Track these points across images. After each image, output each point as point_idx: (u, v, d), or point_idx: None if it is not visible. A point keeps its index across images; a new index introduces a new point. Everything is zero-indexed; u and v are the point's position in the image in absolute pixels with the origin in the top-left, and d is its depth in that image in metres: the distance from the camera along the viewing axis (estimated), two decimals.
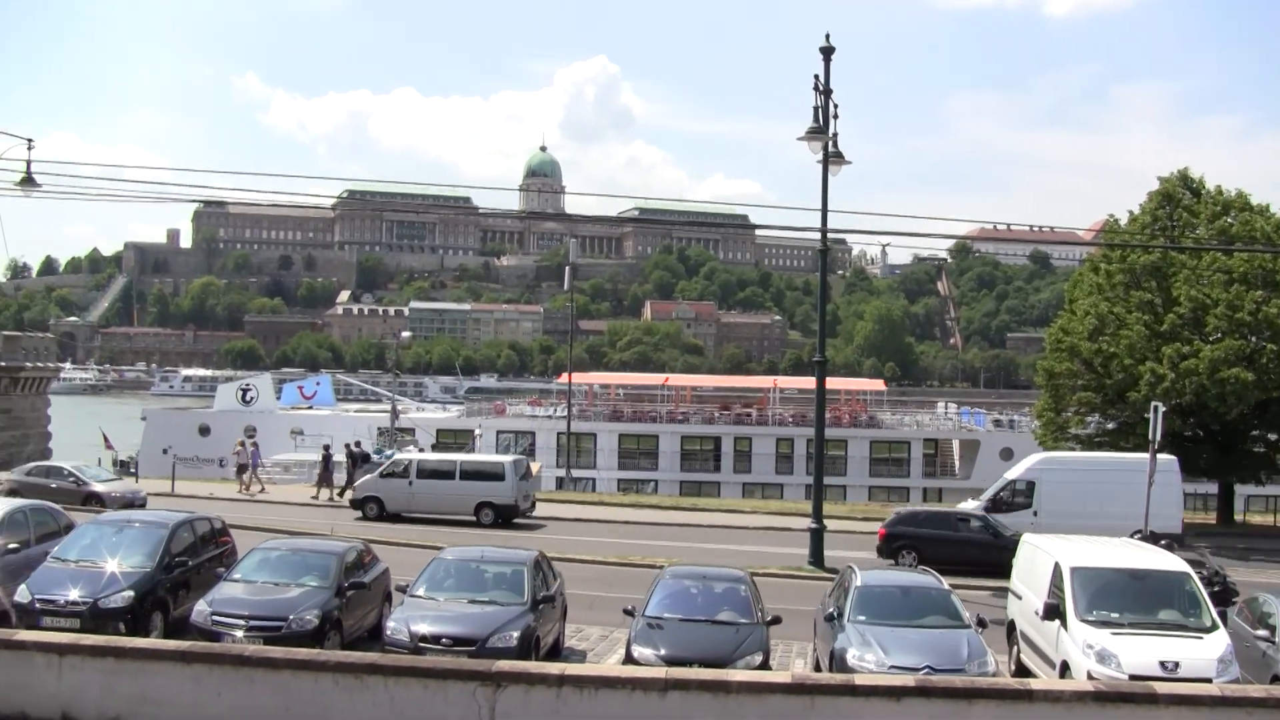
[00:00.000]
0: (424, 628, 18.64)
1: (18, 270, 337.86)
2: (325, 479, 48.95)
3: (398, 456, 46.56)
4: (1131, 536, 26.49)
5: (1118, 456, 41.86)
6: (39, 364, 61.84)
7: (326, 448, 51.90)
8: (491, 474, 42.05)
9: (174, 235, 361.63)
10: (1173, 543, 26.92)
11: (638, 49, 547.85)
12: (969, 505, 38.70)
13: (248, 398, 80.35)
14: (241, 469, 50.46)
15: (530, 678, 15.54)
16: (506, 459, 44.10)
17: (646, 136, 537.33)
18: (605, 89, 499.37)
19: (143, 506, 36.90)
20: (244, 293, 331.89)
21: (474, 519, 40.93)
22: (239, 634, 18.79)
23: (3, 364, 56.33)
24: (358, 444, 53.11)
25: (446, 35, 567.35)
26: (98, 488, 40.42)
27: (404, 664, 16.32)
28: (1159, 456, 34.88)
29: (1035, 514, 36.30)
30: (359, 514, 41.69)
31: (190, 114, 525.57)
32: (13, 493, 36.29)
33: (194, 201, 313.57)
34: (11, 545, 23.04)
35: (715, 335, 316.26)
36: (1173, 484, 36.66)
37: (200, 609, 19.73)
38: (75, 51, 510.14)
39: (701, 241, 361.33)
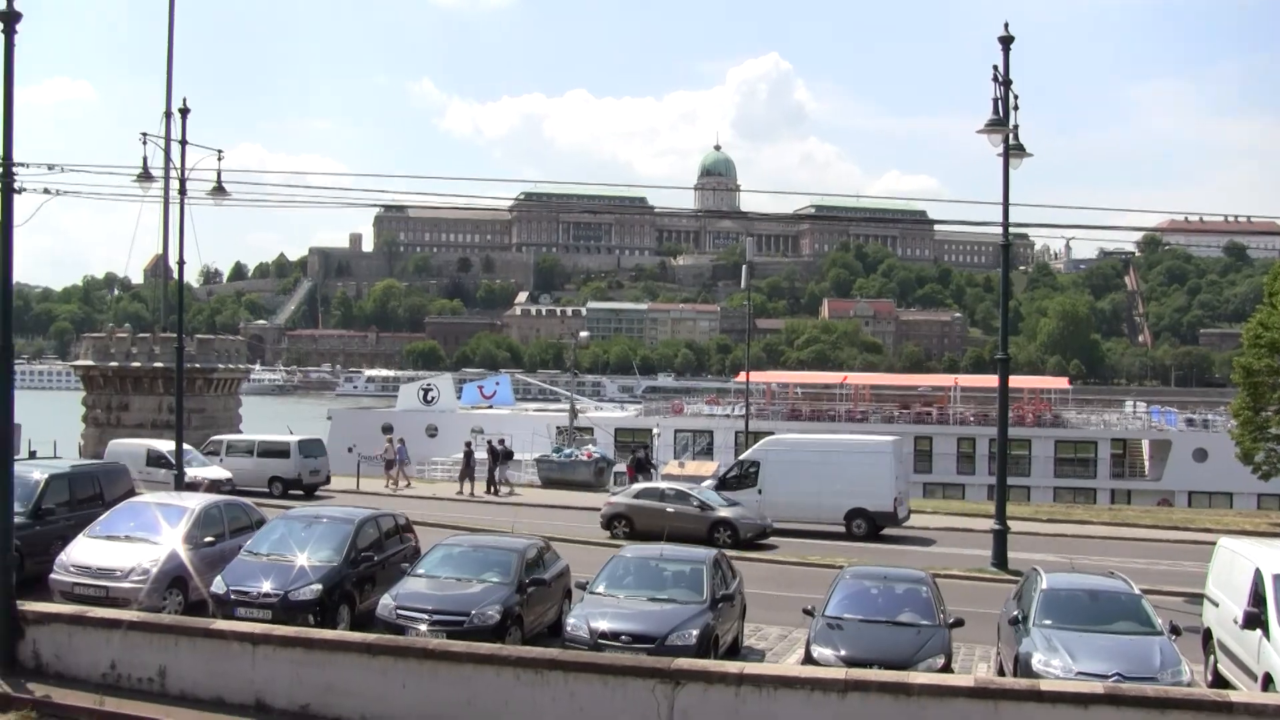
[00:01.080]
0: (603, 624, 18.73)
1: (209, 276, 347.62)
2: (468, 474, 49.99)
3: (215, 438, 50.22)
4: None
5: (835, 439, 45.86)
6: (230, 365, 63.65)
7: (469, 444, 52.98)
8: (280, 452, 47.20)
9: (356, 239, 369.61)
10: None
11: (810, 45, 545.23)
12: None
13: (429, 398, 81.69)
14: (389, 465, 51.91)
15: (709, 676, 15.57)
16: (294, 439, 48.31)
17: (820, 133, 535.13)
18: (777, 86, 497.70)
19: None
20: (424, 295, 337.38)
21: (267, 490, 44.88)
22: (423, 628, 19.07)
23: (197, 365, 58.13)
24: (500, 441, 54.01)
25: (618, 37, 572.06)
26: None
27: (584, 660, 16.46)
28: (873, 439, 41.75)
29: (760, 492, 38.51)
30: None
31: (369, 121, 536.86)
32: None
33: (375, 206, 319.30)
34: (207, 539, 23.84)
35: (894, 333, 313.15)
36: (884, 465, 38.37)
37: (385, 603, 20.08)
38: (260, 65, 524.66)
39: (879, 238, 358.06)
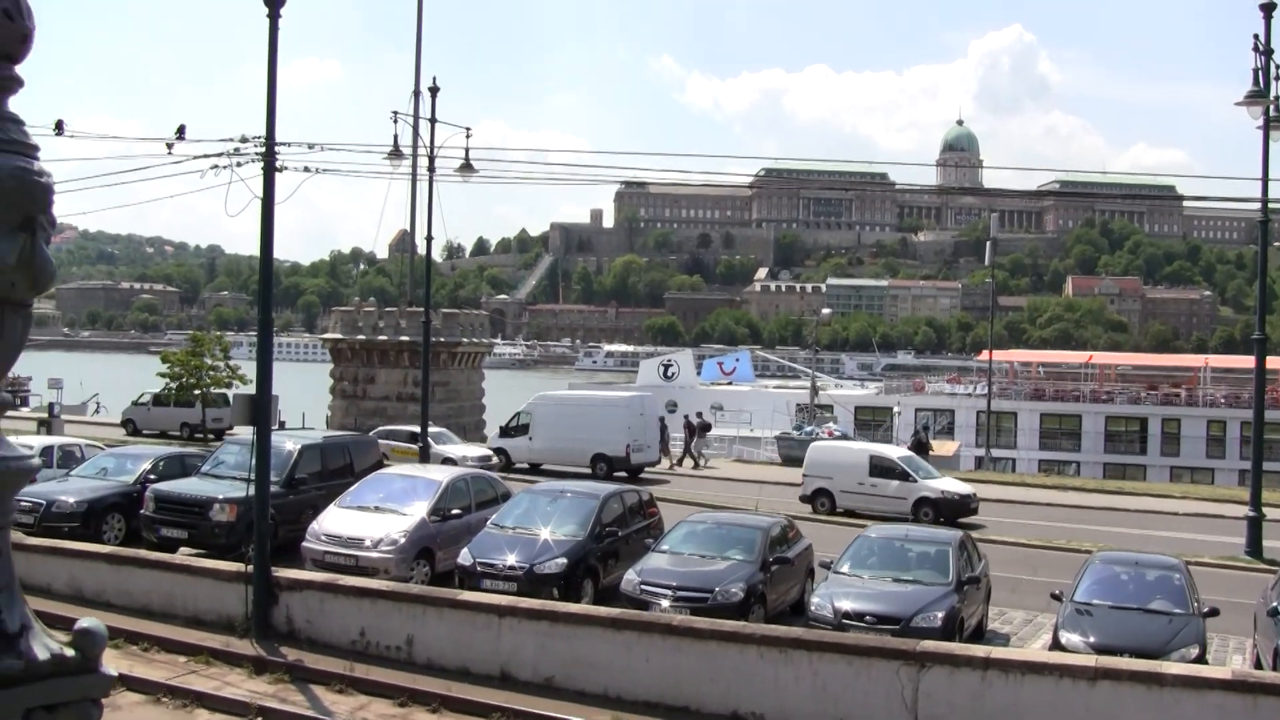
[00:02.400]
0: (848, 604, 18.63)
1: (452, 250, 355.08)
2: (679, 446, 51.07)
3: None
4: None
5: (587, 394, 51.90)
6: (474, 339, 64.79)
7: (662, 418, 52.74)
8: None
9: (597, 215, 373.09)
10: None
11: (1054, 15, 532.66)
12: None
13: (670, 373, 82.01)
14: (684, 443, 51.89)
15: (955, 659, 15.39)
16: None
17: (1064, 106, 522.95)
18: (1021, 58, 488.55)
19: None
20: (664, 270, 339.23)
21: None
22: (666, 604, 19.18)
23: (442, 339, 59.32)
24: (698, 415, 53.97)
25: (858, 10, 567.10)
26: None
27: (828, 640, 16.41)
28: (615, 394, 49.21)
29: (530, 439, 43.73)
30: None
31: (609, 97, 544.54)
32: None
33: (615, 182, 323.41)
34: (454, 511, 24.38)
35: (1140, 311, 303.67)
36: (619, 418, 43.20)
37: (629, 578, 20.27)
38: (502, 42, 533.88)
39: (1125, 214, 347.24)
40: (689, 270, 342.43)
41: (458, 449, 42.22)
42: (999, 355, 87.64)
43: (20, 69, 3.41)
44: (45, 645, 3.25)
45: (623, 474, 41.37)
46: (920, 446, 48.70)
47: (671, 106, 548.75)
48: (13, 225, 3.22)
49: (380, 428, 46.03)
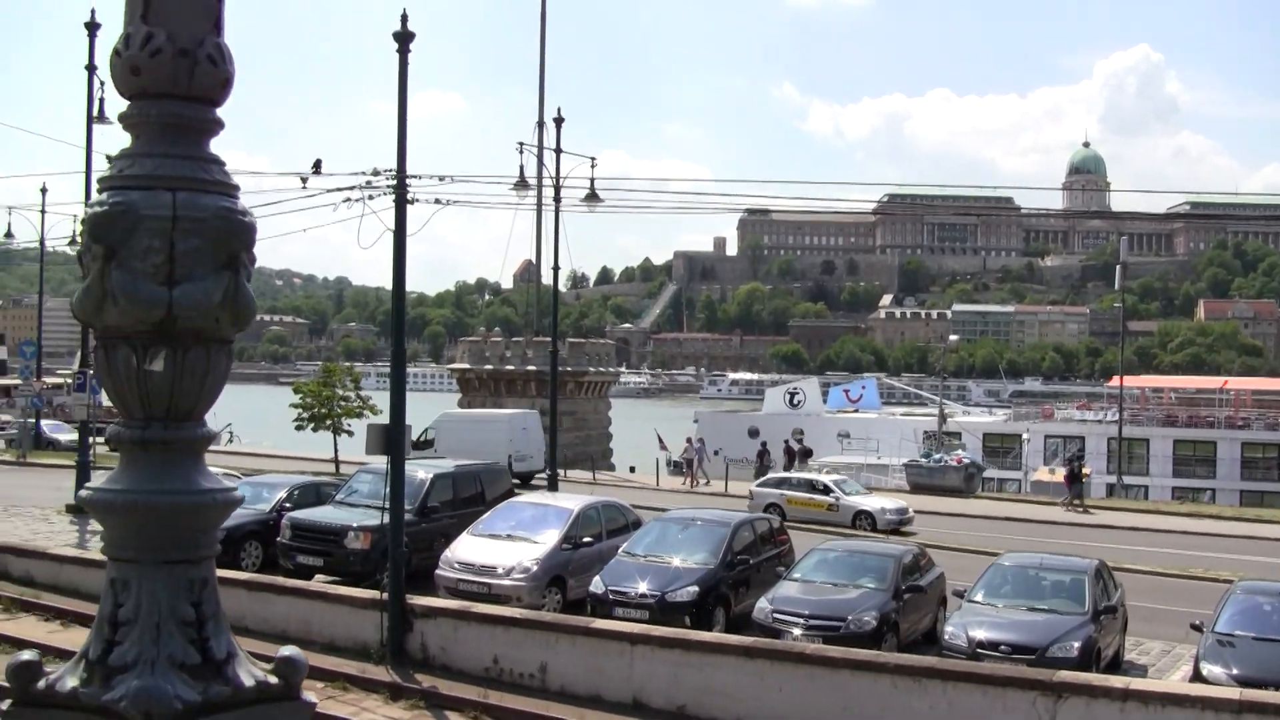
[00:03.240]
0: (982, 634, 18.43)
1: (576, 280, 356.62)
2: (761, 473, 50.12)
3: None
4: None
5: (479, 412, 55.66)
6: (600, 369, 65.13)
7: (763, 442, 55.00)
8: None
9: (720, 243, 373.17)
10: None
11: (1183, 34, 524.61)
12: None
13: (795, 401, 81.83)
14: (689, 464, 53.12)
15: (1092, 690, 15.15)
16: None
17: (1193, 126, 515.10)
18: (1148, 78, 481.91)
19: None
20: (788, 298, 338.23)
21: None
22: (798, 632, 19.12)
23: (568, 369, 59.67)
24: (798, 440, 54.93)
25: (979, 32, 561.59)
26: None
27: (962, 669, 16.24)
28: (502, 413, 51.97)
29: (435, 451, 45.59)
30: None
31: (730, 125, 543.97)
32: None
33: (737, 210, 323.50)
34: (586, 539, 24.50)
35: (1276, 335, 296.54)
36: (501, 432, 47.39)
37: (761, 606, 20.19)
38: (622, 73, 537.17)
39: (1259, 235, 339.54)
40: (813, 297, 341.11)
41: (870, 501, 39.90)
42: (1129, 381, 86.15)
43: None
44: (250, 673, 3.35)
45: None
46: (1074, 476, 48.22)
47: (792, 134, 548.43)
48: (219, 264, 3.34)
49: (767, 476, 45.26)
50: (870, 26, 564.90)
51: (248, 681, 3.34)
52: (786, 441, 54.22)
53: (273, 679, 3.41)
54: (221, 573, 17.43)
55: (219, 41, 3.50)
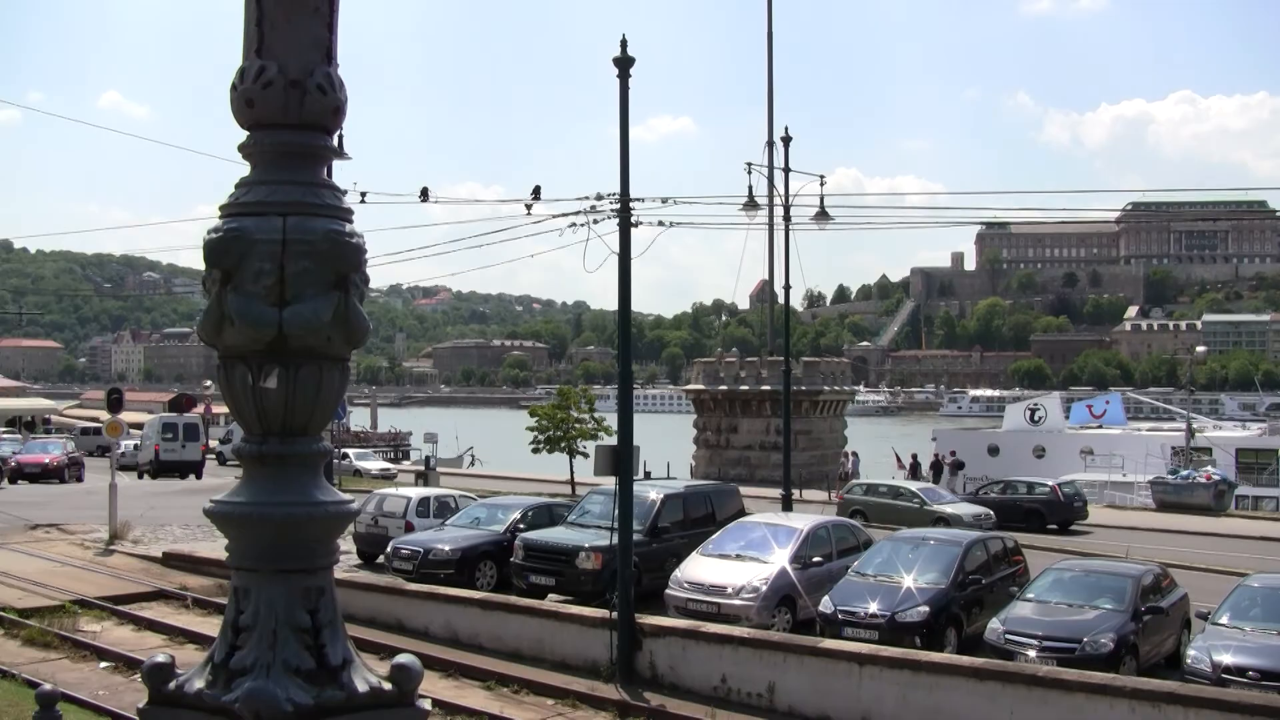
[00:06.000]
0: (1228, 658, 17.65)
1: (812, 299, 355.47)
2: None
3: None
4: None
5: None
6: (835, 387, 64.69)
7: (915, 456, 57.16)
8: None
9: (957, 258, 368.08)
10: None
11: None
12: None
13: (1036, 418, 79.84)
14: (843, 479, 53.39)
15: None
16: None
17: None
18: None
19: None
20: (1029, 312, 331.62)
21: None
22: (1031, 654, 18.68)
23: (803, 388, 59.45)
24: (952, 453, 56.71)
25: (1223, 28, 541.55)
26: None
27: (1206, 695, 15.70)
28: None
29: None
30: None
31: (963, 138, 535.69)
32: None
33: (974, 223, 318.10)
34: (815, 559, 24.43)
35: None
36: None
37: (993, 627, 19.82)
38: (851, 90, 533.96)
39: None
40: (1054, 311, 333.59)
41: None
42: None
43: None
44: (365, 678, 3.47)
45: None
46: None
47: (1028, 144, 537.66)
48: (328, 285, 3.47)
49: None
50: (1106, 29, 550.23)
51: (362, 687, 3.45)
52: (937, 454, 56.84)
53: (387, 685, 3.51)
54: (456, 592, 18.03)
55: (329, 71, 3.63)
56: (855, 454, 58.28)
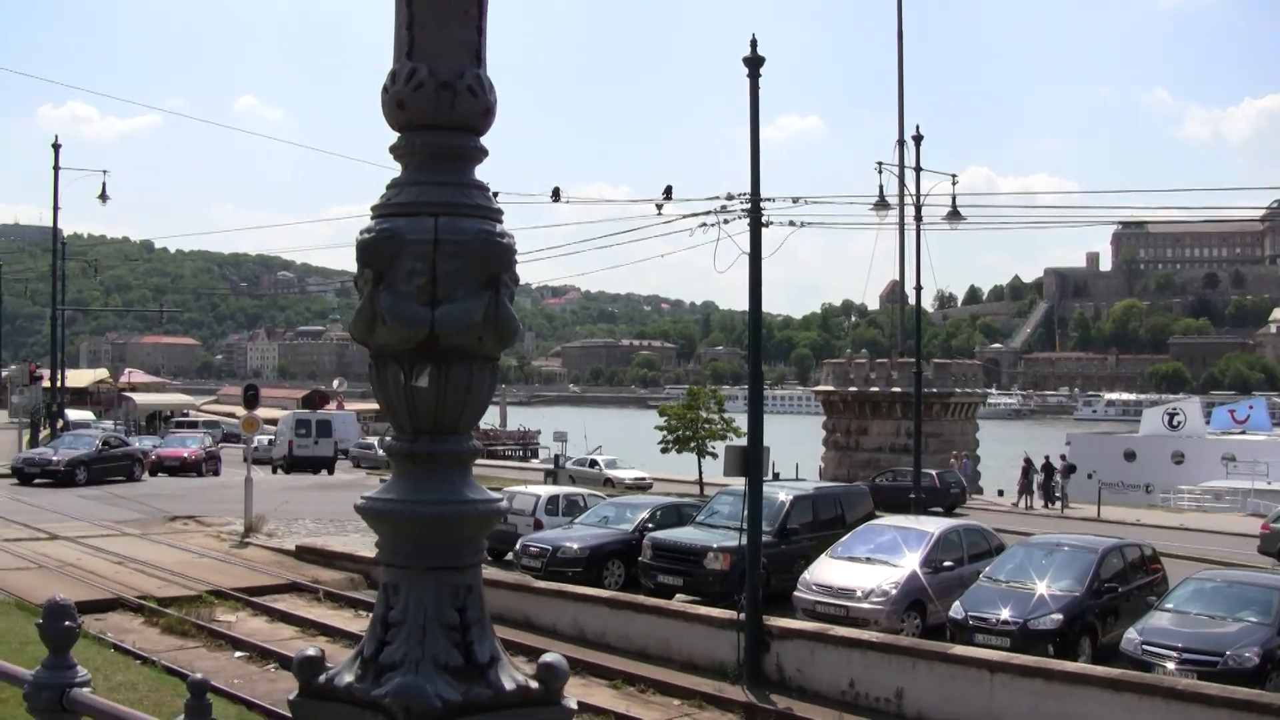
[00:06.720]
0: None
1: (944, 300, 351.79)
2: (1025, 488, 53.62)
3: None
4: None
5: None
6: (967, 390, 64.02)
7: (1047, 458, 55.63)
8: None
9: (1093, 259, 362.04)
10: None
11: None
12: None
13: (1175, 422, 78.23)
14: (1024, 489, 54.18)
15: None
16: None
17: None
18: None
19: None
20: (1167, 314, 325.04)
21: None
22: (1170, 666, 18.25)
23: (934, 390, 58.93)
24: (1061, 456, 57.05)
25: None
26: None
27: None
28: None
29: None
30: None
31: (1098, 136, 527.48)
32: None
33: (1110, 223, 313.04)
34: (946, 563, 24.20)
35: None
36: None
37: (1130, 637, 19.42)
38: (983, 88, 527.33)
39: None
40: (1194, 313, 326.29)
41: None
42: None
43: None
44: (512, 677, 3.51)
45: None
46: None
47: (1167, 141, 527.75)
48: (480, 285, 3.52)
49: None
50: (1249, 19, 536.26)
51: (509, 685, 3.48)
52: (1047, 457, 56.02)
53: (534, 684, 3.55)
54: (584, 590, 18.20)
55: (479, 73, 3.66)
56: (967, 456, 57.42)
